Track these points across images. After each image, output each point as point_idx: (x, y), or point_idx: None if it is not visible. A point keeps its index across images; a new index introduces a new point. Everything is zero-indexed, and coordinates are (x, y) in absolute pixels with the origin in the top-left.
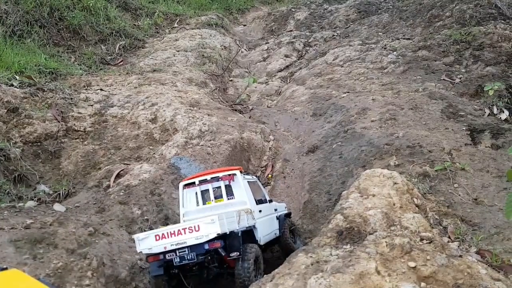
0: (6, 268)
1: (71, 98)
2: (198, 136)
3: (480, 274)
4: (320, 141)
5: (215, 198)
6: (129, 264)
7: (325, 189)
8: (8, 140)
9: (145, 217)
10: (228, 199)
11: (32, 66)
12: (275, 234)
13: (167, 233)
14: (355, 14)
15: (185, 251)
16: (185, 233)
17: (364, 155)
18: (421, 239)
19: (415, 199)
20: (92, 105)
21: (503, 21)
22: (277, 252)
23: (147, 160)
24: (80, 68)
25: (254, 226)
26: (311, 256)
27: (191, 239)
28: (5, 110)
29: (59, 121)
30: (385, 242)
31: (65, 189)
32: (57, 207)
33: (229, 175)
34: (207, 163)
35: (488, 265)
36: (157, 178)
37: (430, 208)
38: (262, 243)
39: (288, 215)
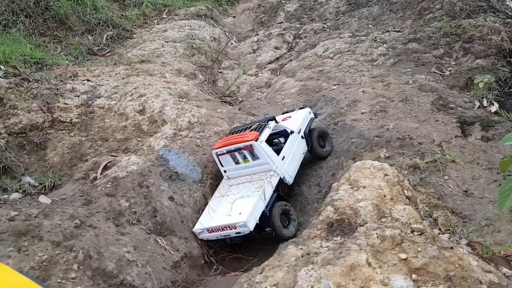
0: None
1: (57, 89)
2: (187, 128)
3: (471, 266)
4: None
5: (244, 159)
6: (117, 257)
7: (315, 181)
8: None
9: (133, 209)
10: (254, 160)
11: (18, 56)
12: (303, 153)
13: (215, 229)
14: (345, 6)
15: (231, 236)
16: (227, 229)
17: (354, 147)
18: (412, 231)
19: (405, 191)
20: (78, 96)
21: (492, 14)
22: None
23: (135, 152)
24: (67, 59)
25: (282, 177)
26: (301, 248)
27: (233, 233)
28: None
29: (44, 112)
30: (376, 234)
31: (50, 181)
32: (43, 199)
33: (249, 145)
34: (196, 155)
35: (479, 257)
36: (145, 170)
37: (421, 200)
38: (292, 181)
39: (314, 117)
